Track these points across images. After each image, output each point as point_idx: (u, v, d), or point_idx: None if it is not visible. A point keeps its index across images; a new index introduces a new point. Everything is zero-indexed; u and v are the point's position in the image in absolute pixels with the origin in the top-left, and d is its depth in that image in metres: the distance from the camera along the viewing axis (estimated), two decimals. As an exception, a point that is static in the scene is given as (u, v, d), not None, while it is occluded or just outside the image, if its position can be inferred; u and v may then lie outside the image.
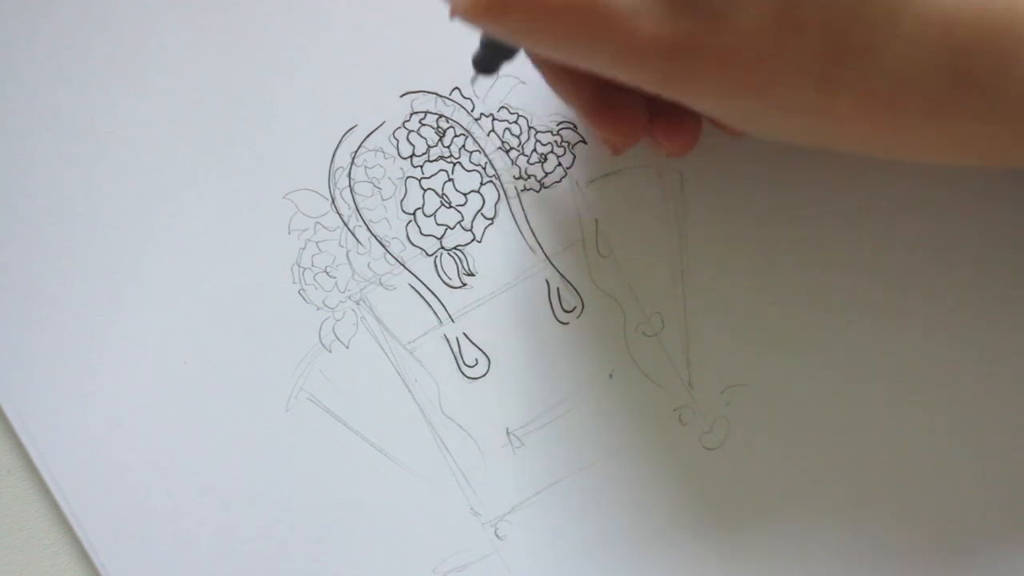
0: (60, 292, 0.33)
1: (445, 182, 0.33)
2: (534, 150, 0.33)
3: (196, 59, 0.33)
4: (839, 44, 0.22)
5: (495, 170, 0.33)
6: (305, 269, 0.33)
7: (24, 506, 0.34)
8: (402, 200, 0.33)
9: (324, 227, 0.33)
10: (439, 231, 0.33)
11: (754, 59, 0.22)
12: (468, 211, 0.33)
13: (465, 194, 0.33)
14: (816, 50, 0.22)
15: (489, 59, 0.29)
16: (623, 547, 0.33)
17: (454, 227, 0.33)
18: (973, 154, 0.25)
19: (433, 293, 0.33)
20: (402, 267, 0.33)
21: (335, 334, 0.33)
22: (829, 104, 0.23)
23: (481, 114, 0.33)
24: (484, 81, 0.32)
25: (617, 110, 0.28)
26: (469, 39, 0.33)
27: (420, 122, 0.33)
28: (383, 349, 0.33)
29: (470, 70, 0.31)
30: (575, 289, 0.33)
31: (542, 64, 0.29)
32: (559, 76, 0.29)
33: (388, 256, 0.33)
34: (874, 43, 0.22)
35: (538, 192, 0.33)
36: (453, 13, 0.23)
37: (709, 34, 0.22)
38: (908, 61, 0.23)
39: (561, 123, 0.33)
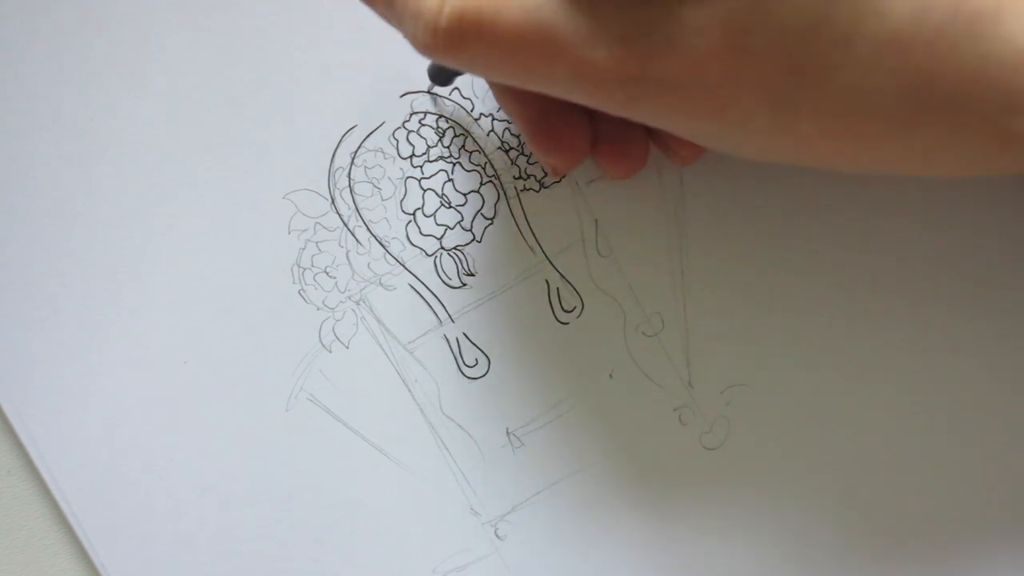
0: (60, 292, 0.33)
1: (445, 182, 0.33)
2: (534, 150, 0.33)
3: (196, 59, 0.33)
4: (793, 68, 0.22)
5: (495, 170, 0.33)
6: (305, 269, 0.33)
7: (24, 506, 0.34)
8: (402, 200, 0.33)
9: (324, 227, 0.33)
10: (439, 231, 0.33)
11: (709, 84, 0.22)
12: (468, 211, 0.33)
13: (465, 194, 0.33)
14: (769, 75, 0.22)
15: (443, 73, 0.30)
16: (623, 547, 0.33)
17: (454, 227, 0.33)
18: (940, 168, 0.25)
19: (433, 293, 0.33)
20: (402, 267, 0.33)
21: (335, 334, 0.33)
22: (788, 125, 0.23)
23: (481, 114, 0.33)
24: (441, 89, 0.33)
25: (561, 133, 0.29)
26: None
27: (420, 122, 0.33)
28: (383, 349, 0.33)
29: (426, 81, 0.32)
30: (575, 289, 0.33)
31: (491, 84, 0.30)
32: (505, 97, 0.29)
33: (388, 256, 0.33)
34: (829, 67, 0.22)
35: (538, 192, 0.33)
36: (414, 46, 0.23)
37: (660, 62, 0.22)
38: (865, 84, 0.22)
39: (561, 123, 0.33)
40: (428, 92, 0.32)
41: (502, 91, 0.29)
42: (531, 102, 0.28)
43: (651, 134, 0.30)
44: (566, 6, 0.22)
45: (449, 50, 0.23)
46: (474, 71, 0.24)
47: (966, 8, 0.22)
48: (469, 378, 0.33)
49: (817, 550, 0.32)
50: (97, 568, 0.33)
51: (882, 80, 0.22)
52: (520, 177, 0.33)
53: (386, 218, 0.33)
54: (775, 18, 0.22)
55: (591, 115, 0.29)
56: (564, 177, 0.33)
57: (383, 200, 0.33)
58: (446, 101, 0.33)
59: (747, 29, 0.22)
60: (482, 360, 0.33)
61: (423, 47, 0.23)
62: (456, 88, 0.33)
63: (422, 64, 0.32)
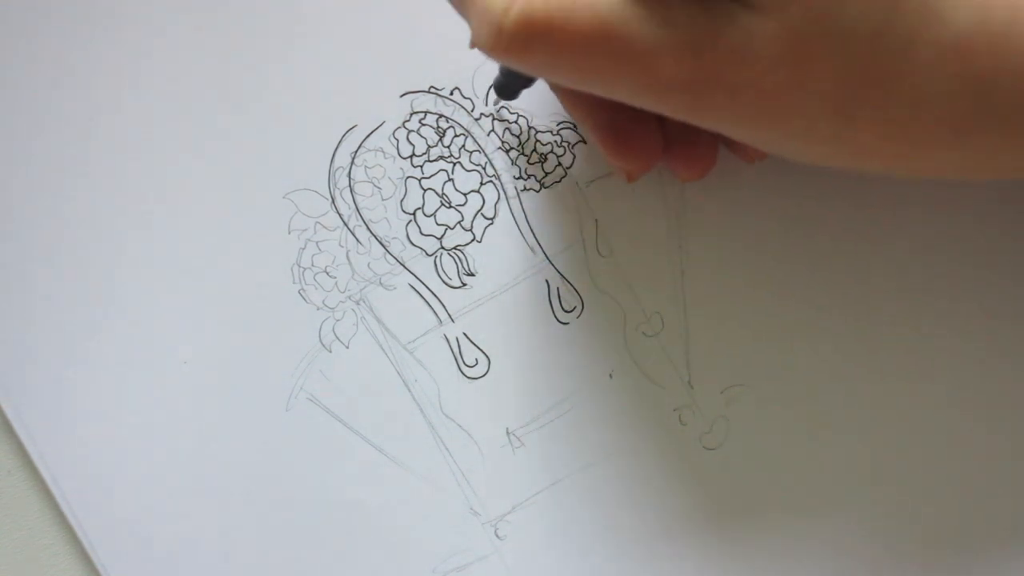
0: (60, 292, 0.33)
1: (445, 182, 0.33)
2: (534, 150, 0.33)
3: (196, 59, 0.33)
4: (856, 76, 0.22)
5: (495, 170, 0.33)
6: (305, 269, 0.33)
7: (24, 506, 0.34)
8: (402, 200, 0.33)
9: (324, 227, 0.33)
10: (439, 231, 0.33)
11: (773, 92, 0.22)
12: (468, 211, 0.33)
13: (465, 194, 0.33)
14: (834, 83, 0.22)
15: (510, 86, 0.29)
16: (623, 547, 0.33)
17: (454, 227, 0.33)
18: (997, 171, 0.25)
19: (433, 293, 0.33)
20: (402, 267, 0.33)
21: (335, 334, 0.33)
22: (849, 135, 0.23)
23: (481, 114, 0.33)
24: (507, 104, 0.32)
25: (632, 138, 0.29)
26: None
27: (420, 122, 0.33)
28: (383, 349, 0.33)
29: (492, 96, 0.31)
30: (575, 289, 0.33)
31: (558, 91, 0.29)
32: (574, 104, 0.29)
33: (388, 256, 0.33)
34: (891, 74, 0.22)
35: (538, 192, 0.33)
36: (473, 46, 0.23)
37: (726, 70, 0.22)
38: (926, 89, 0.22)
39: (561, 123, 0.33)
40: (494, 109, 0.32)
41: (570, 98, 0.29)
42: (601, 108, 0.28)
43: (721, 135, 0.30)
44: (637, 12, 0.22)
45: (512, 51, 0.22)
46: (535, 73, 0.24)
47: None
48: (469, 378, 0.33)
49: (817, 550, 0.32)
50: (97, 568, 0.33)
51: (944, 85, 0.22)
52: (520, 177, 0.33)
53: (386, 218, 0.33)
54: (840, 26, 0.22)
55: (661, 119, 0.29)
56: (565, 177, 0.33)
57: (383, 200, 0.33)
58: (446, 101, 0.33)
59: (812, 38, 0.22)
60: (482, 360, 0.33)
61: (486, 46, 0.22)
62: (457, 88, 0.33)
63: (422, 64, 0.32)
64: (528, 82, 0.29)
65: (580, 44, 0.22)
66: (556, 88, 0.30)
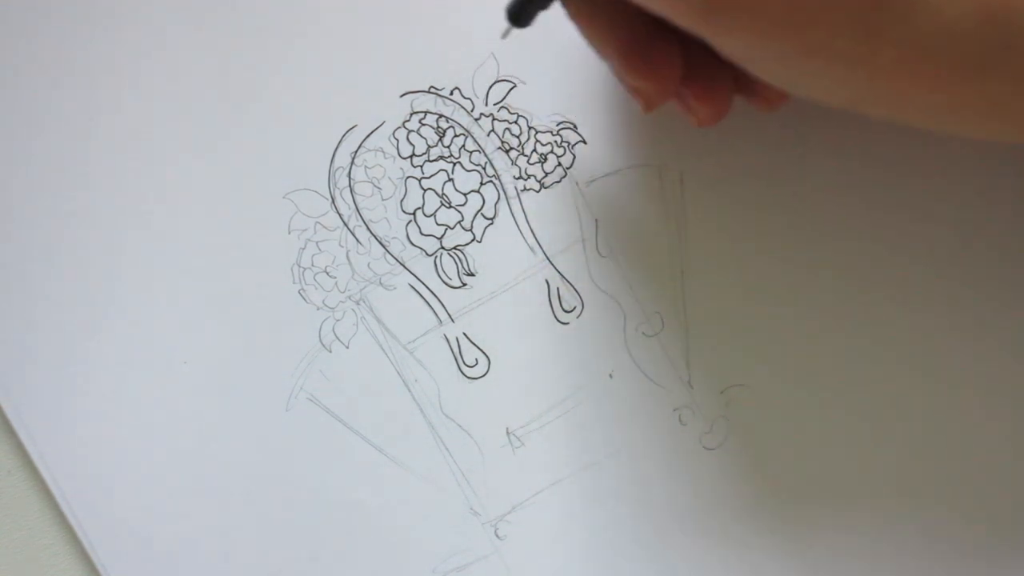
0: (60, 292, 0.33)
1: (445, 182, 0.33)
2: (534, 150, 0.33)
3: (196, 59, 0.33)
4: None
5: (495, 170, 0.33)
6: (305, 269, 0.33)
7: (24, 506, 0.34)
8: (402, 200, 0.33)
9: (324, 227, 0.33)
10: (439, 231, 0.33)
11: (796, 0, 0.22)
12: (468, 211, 0.33)
13: (465, 194, 0.33)
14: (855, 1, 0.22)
15: (525, 8, 0.28)
16: (623, 547, 0.33)
17: (454, 227, 0.33)
18: (1009, 121, 0.25)
19: (433, 293, 0.33)
20: (402, 267, 0.33)
21: (335, 334, 0.33)
22: (868, 53, 0.23)
23: (481, 114, 0.33)
24: (493, 87, 0.32)
25: (651, 58, 0.28)
26: (471, 42, 0.33)
27: (420, 122, 0.33)
28: (383, 349, 0.33)
29: (503, 24, 0.30)
30: (575, 289, 0.33)
31: (577, 13, 0.28)
32: (594, 23, 0.28)
33: (388, 256, 0.33)
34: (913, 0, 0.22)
35: (538, 192, 0.33)
36: None
37: None
38: (946, 19, 0.22)
39: (561, 123, 0.33)
40: (503, 35, 0.31)
41: (589, 19, 0.28)
42: (621, 26, 0.28)
43: (738, 83, 0.29)
44: None
45: None
46: None
47: None
48: (469, 378, 0.33)
49: (817, 549, 0.32)
50: (97, 568, 0.33)
51: (962, 12, 0.22)
52: (520, 177, 0.33)
53: (386, 218, 0.33)
54: None
55: (681, 47, 0.28)
56: (565, 177, 0.33)
57: (383, 200, 0.33)
58: (446, 101, 0.33)
59: None
60: (482, 360, 0.33)
61: None
62: (457, 88, 0.33)
63: (422, 64, 0.32)
64: (544, 2, 0.28)
65: None
66: (574, 10, 0.29)
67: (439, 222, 0.33)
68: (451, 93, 0.33)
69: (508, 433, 0.33)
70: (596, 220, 0.33)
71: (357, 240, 0.33)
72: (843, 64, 0.24)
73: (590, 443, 0.33)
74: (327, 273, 0.33)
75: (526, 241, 0.33)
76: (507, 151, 0.33)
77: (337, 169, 0.33)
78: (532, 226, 0.33)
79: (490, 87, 0.32)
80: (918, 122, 0.26)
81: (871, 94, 0.25)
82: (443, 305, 0.33)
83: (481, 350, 0.33)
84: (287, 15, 0.33)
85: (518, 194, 0.33)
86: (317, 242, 0.33)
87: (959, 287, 0.32)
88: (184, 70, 0.33)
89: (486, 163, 0.33)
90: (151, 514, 0.33)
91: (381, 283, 0.33)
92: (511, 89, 0.32)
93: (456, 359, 0.33)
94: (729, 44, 0.24)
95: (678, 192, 0.32)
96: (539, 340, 0.33)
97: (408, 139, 0.33)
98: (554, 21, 0.28)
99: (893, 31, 0.23)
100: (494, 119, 0.33)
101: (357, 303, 0.33)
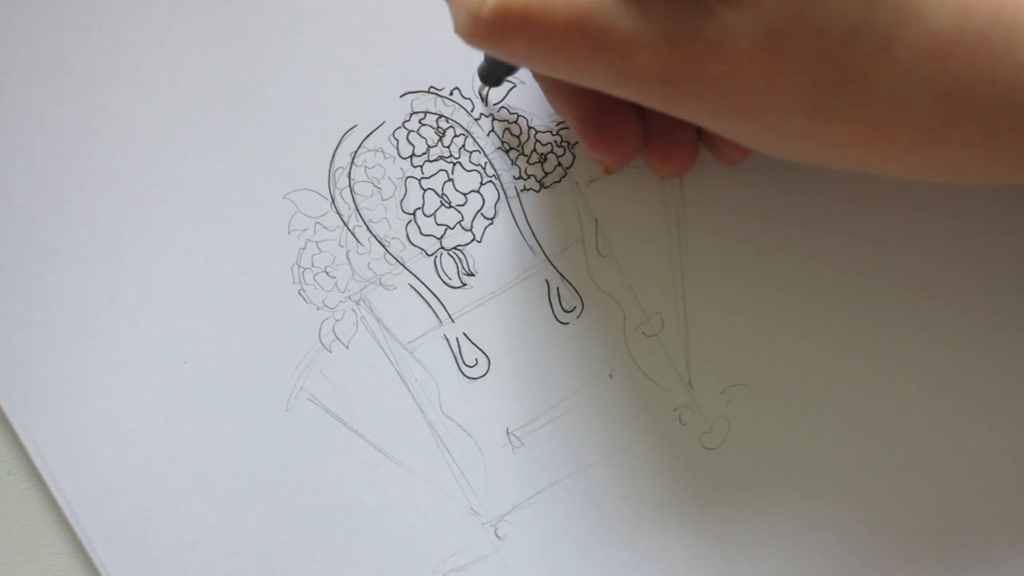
0: (60, 292, 0.33)
1: (445, 182, 0.33)
2: (534, 150, 0.33)
3: (196, 59, 0.33)
4: (831, 74, 0.22)
5: (495, 170, 0.33)
6: (305, 269, 0.33)
7: (24, 506, 0.34)
8: (402, 200, 0.33)
9: (324, 227, 0.33)
10: (439, 231, 0.33)
11: (748, 86, 0.23)
12: (468, 211, 0.33)
13: (465, 194, 0.33)
14: (808, 79, 0.22)
15: (492, 73, 0.29)
16: (623, 547, 0.33)
17: (454, 227, 0.33)
18: (969, 178, 0.25)
19: (433, 293, 0.33)
20: (402, 267, 0.33)
21: (335, 334, 0.33)
22: (822, 131, 0.23)
23: (481, 114, 0.33)
24: (492, 91, 0.32)
25: (612, 131, 0.29)
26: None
27: (420, 122, 0.33)
28: (383, 349, 0.33)
29: (477, 82, 0.31)
30: (575, 289, 0.33)
31: (540, 80, 0.30)
32: (556, 95, 0.29)
33: (388, 256, 0.33)
34: (867, 73, 0.22)
35: (538, 192, 0.33)
36: (457, 33, 0.23)
37: (704, 62, 0.22)
38: (901, 90, 0.22)
39: (561, 123, 0.33)
40: (479, 94, 0.32)
41: (551, 88, 0.29)
42: (582, 99, 0.28)
43: (700, 134, 0.30)
44: (615, 4, 0.22)
45: (489, 40, 0.22)
46: (514, 61, 0.24)
47: (1006, 16, 0.22)
48: (469, 378, 0.33)
49: (817, 550, 0.32)
50: (97, 568, 0.33)
51: (919, 86, 0.22)
52: (520, 177, 0.33)
53: (386, 218, 0.33)
54: (816, 24, 0.22)
55: (642, 113, 0.29)
56: (565, 177, 0.33)
57: (383, 200, 0.33)
58: (446, 101, 0.33)
59: (788, 34, 0.22)
60: (482, 360, 0.33)
61: (464, 34, 0.23)
62: (456, 88, 0.33)
63: (422, 64, 0.32)
64: (511, 69, 0.29)
65: (557, 34, 0.22)
66: (539, 78, 0.30)
67: (439, 222, 0.33)
68: (451, 93, 0.33)
69: (508, 433, 0.33)
70: (596, 220, 0.33)
71: (357, 240, 0.33)
72: (800, 139, 0.24)
73: (590, 443, 0.33)
74: (327, 273, 0.33)
75: (526, 241, 0.33)
76: (507, 151, 0.33)
77: (337, 169, 0.33)
78: (532, 226, 0.33)
79: (490, 87, 0.32)
80: (878, 175, 0.26)
81: (831, 161, 0.25)
82: (443, 305, 0.33)
83: (481, 350, 0.33)
84: (287, 15, 0.33)
85: (518, 194, 0.33)
86: (317, 242, 0.33)
87: (961, 286, 0.32)
88: (184, 70, 0.33)
89: (486, 163, 0.33)
90: (151, 514, 0.33)
91: (381, 283, 0.33)
92: (511, 89, 0.32)
93: (456, 359, 0.33)
94: (692, 120, 0.25)
95: (678, 192, 0.32)
96: (539, 340, 0.33)
97: (408, 139, 0.33)
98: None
99: (846, 111, 0.23)
100: (494, 119, 0.33)
101: (357, 303, 0.33)
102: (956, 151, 0.24)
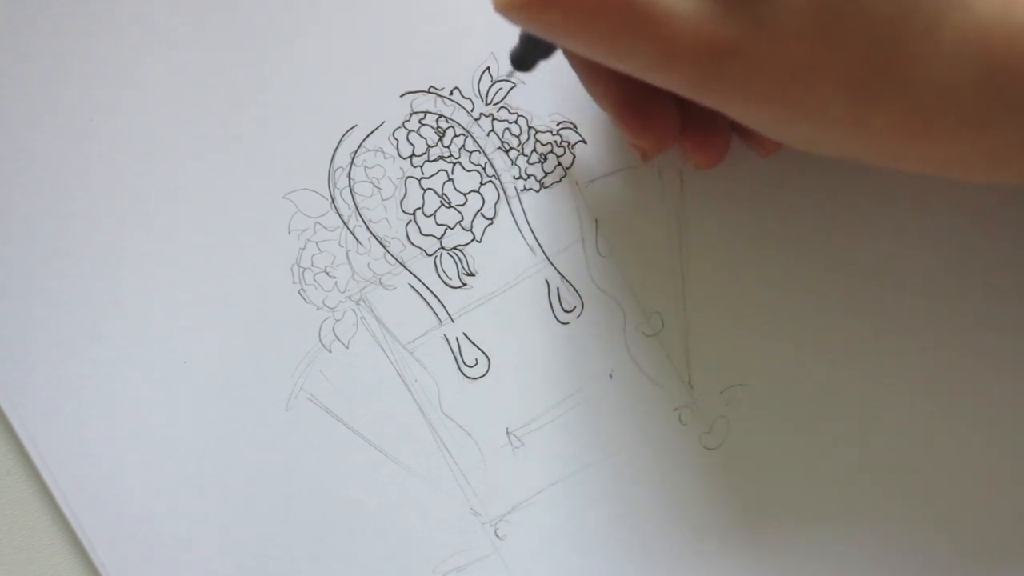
0: (60, 292, 0.33)
1: (445, 182, 0.33)
2: (534, 150, 0.33)
3: (196, 59, 0.33)
4: (877, 57, 0.22)
5: (495, 170, 0.33)
6: (305, 269, 0.33)
7: (24, 506, 0.34)
8: (402, 200, 0.33)
9: (324, 227, 0.33)
10: (439, 231, 0.33)
11: (791, 67, 0.22)
12: (468, 211, 0.33)
13: (465, 194, 0.33)
14: (854, 61, 0.22)
15: (526, 56, 0.28)
16: (623, 547, 0.33)
17: (454, 227, 0.33)
18: (1009, 172, 0.25)
19: (433, 293, 0.33)
20: (402, 267, 0.33)
21: (335, 334, 0.33)
22: (862, 117, 0.23)
23: (481, 114, 0.33)
24: (496, 88, 0.32)
25: (650, 116, 0.28)
26: (471, 42, 0.33)
27: (420, 122, 0.33)
28: (383, 349, 0.33)
29: (506, 65, 0.30)
30: (575, 289, 0.33)
31: (578, 65, 0.29)
32: (594, 78, 0.29)
33: (388, 256, 0.33)
34: (912, 57, 0.22)
35: (538, 192, 0.33)
36: (496, 8, 0.23)
37: (750, 39, 0.22)
38: (945, 77, 0.22)
39: (561, 123, 0.33)
40: (507, 79, 0.32)
41: (589, 73, 0.29)
42: (620, 83, 0.28)
43: (734, 124, 0.29)
44: None
45: (526, 10, 0.22)
46: (554, 36, 0.23)
47: None
48: (469, 378, 0.33)
49: (817, 550, 0.32)
50: (97, 568, 0.33)
51: (961, 74, 0.22)
52: (520, 177, 0.33)
53: (386, 218, 0.33)
54: (866, 5, 0.22)
55: (678, 101, 0.28)
56: (565, 177, 0.33)
57: (383, 200, 0.33)
58: (446, 101, 0.33)
59: (837, 14, 0.22)
60: (482, 360, 0.33)
61: (505, 6, 0.22)
62: (456, 88, 0.33)
63: (422, 64, 0.32)
64: (546, 53, 0.28)
65: (596, 6, 0.22)
66: (576, 63, 0.29)
67: (439, 222, 0.33)
68: (451, 93, 0.33)
69: (508, 433, 0.33)
70: (596, 220, 0.33)
71: (357, 240, 0.33)
72: (838, 128, 0.24)
73: (590, 443, 0.33)
74: (327, 273, 0.33)
75: (526, 241, 0.33)
76: (507, 151, 0.33)
77: (337, 169, 0.33)
78: (532, 226, 0.33)
79: (490, 87, 0.32)
80: (917, 171, 0.26)
81: (867, 151, 0.25)
82: (443, 305, 0.33)
83: (481, 350, 0.33)
84: (287, 15, 0.33)
85: (518, 194, 0.33)
86: (317, 242, 0.33)
87: (962, 286, 0.32)
88: (184, 70, 0.33)
89: (486, 163, 0.33)
90: (151, 514, 0.33)
91: (381, 283, 0.33)
92: (511, 89, 0.32)
93: (456, 359, 0.33)
94: (724, 109, 0.24)
95: (678, 192, 0.32)
96: (539, 340, 0.33)
97: (408, 139, 0.33)
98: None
99: (889, 97, 0.23)
100: (494, 119, 0.33)
101: (357, 303, 0.33)
102: (997, 142, 0.23)
